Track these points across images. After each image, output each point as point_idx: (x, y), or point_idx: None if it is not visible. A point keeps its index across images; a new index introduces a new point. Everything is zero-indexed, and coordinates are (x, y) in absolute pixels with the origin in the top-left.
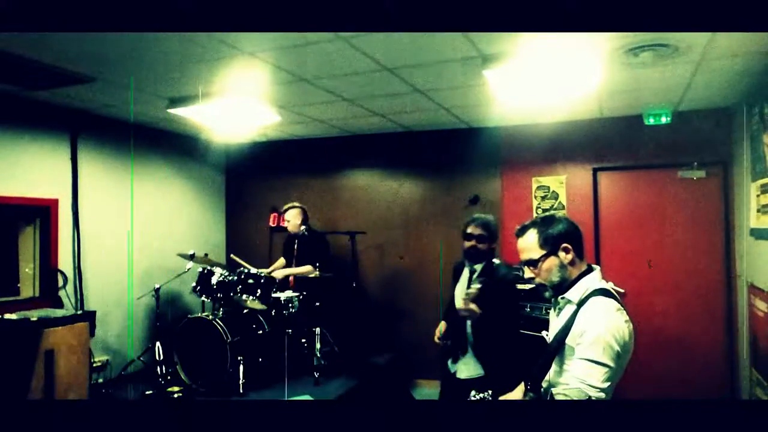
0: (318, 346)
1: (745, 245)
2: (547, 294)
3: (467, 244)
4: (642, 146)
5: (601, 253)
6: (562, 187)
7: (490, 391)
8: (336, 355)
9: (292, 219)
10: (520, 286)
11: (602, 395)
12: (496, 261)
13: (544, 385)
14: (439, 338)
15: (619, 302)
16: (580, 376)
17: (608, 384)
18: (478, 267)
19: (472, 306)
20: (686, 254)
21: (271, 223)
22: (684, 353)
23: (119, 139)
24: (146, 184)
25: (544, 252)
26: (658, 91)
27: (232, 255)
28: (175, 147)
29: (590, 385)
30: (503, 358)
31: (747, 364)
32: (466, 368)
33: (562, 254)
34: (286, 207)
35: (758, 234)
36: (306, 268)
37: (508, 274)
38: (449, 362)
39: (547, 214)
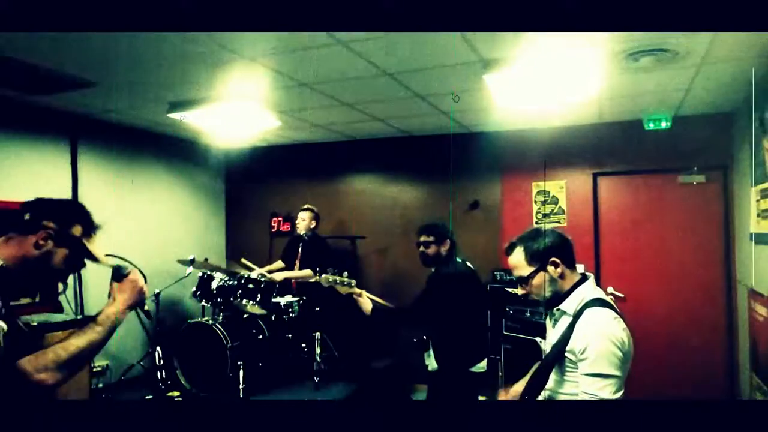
0: (318, 351)
1: (745, 250)
2: (539, 308)
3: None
4: (642, 151)
5: (601, 258)
6: (562, 192)
7: None
8: (336, 360)
9: (307, 219)
10: (515, 291)
11: None
12: (457, 259)
13: (544, 395)
14: None
15: (615, 310)
16: (591, 391)
17: (620, 394)
18: (433, 269)
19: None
20: (686, 259)
21: (271, 228)
22: (684, 358)
23: (119, 144)
24: (146, 189)
25: (533, 269)
26: (658, 95)
27: (242, 260)
28: (175, 152)
29: (603, 399)
30: (452, 352)
31: (747, 369)
32: (430, 360)
33: (551, 269)
34: (304, 207)
35: (758, 239)
36: (306, 272)
37: (443, 269)
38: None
39: (532, 228)
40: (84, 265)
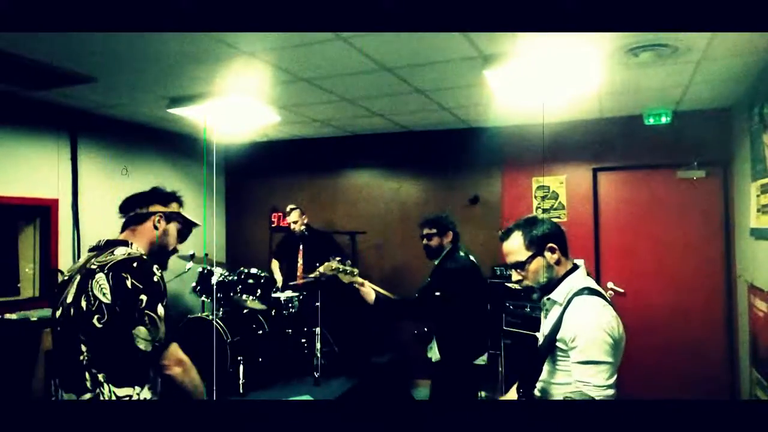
0: (318, 346)
1: (745, 245)
2: (534, 296)
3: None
4: (642, 146)
5: (600, 253)
6: (562, 187)
7: None
8: (336, 355)
9: (299, 219)
10: (514, 286)
11: (610, 392)
12: (461, 253)
13: (538, 386)
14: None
15: (604, 298)
16: (584, 379)
17: (613, 380)
18: (436, 262)
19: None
20: (686, 254)
21: (271, 223)
22: (684, 353)
23: (119, 139)
24: (146, 184)
25: (530, 253)
26: (657, 91)
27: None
28: (175, 147)
29: (596, 386)
30: (455, 344)
31: (747, 365)
32: (433, 352)
33: (548, 254)
34: (290, 208)
35: (758, 234)
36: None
37: (453, 264)
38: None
39: (529, 216)
40: (190, 231)
